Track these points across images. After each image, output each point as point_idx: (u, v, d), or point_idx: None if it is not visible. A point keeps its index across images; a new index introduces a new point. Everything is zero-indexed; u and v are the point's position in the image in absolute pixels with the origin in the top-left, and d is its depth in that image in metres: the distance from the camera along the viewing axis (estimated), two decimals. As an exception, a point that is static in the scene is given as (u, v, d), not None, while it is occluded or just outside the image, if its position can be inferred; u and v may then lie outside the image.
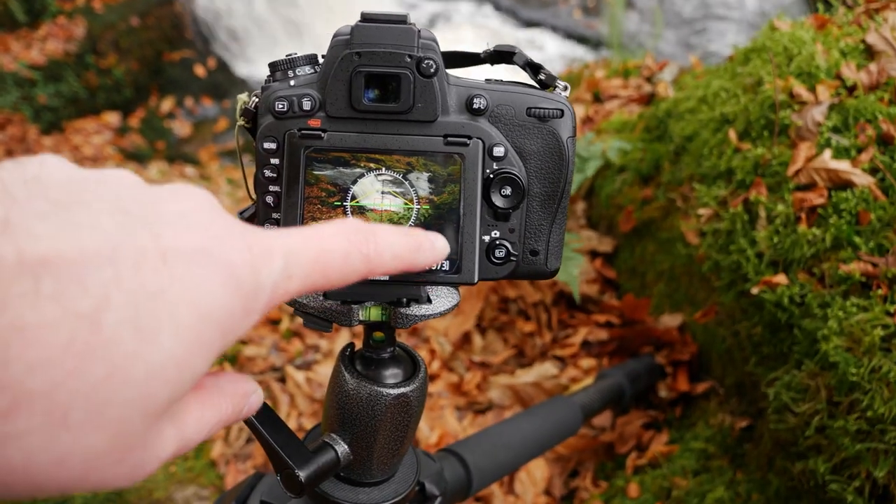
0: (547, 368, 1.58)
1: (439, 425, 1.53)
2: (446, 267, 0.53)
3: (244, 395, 0.37)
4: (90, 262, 0.25)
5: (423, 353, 1.75)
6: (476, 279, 0.53)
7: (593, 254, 1.78)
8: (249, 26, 6.40)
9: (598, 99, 2.15)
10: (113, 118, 5.79)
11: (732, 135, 1.37)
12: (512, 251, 0.55)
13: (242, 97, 0.56)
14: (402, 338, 1.81)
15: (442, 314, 0.58)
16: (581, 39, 6.31)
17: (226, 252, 0.29)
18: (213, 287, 0.28)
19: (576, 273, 1.36)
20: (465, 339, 1.76)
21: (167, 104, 6.06)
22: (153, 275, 0.26)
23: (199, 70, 6.27)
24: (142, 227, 0.27)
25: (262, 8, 6.42)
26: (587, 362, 1.56)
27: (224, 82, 6.25)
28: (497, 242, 0.55)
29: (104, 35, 5.88)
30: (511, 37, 6.38)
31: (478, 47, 0.61)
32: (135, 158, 5.43)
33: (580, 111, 2.08)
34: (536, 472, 1.42)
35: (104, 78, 5.81)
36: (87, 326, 0.24)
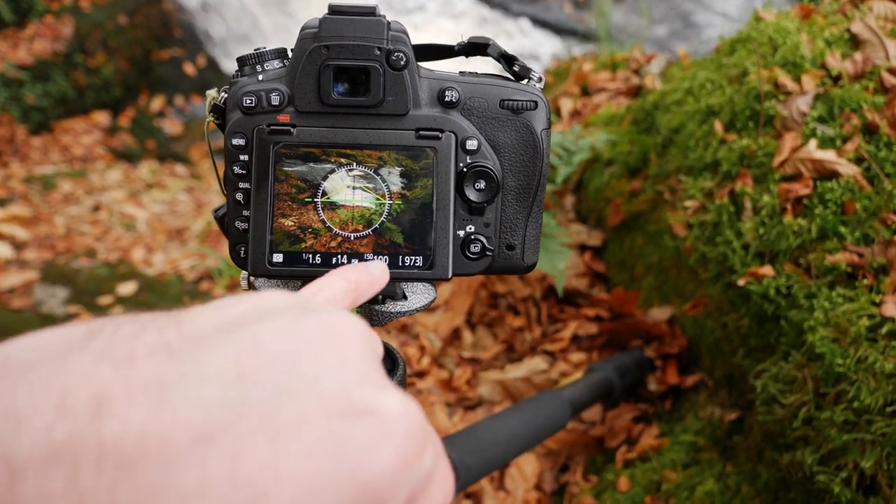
0: (537, 363, 1.57)
1: (429, 422, 1.53)
2: (420, 262, 0.52)
3: None
4: (175, 460, 0.21)
5: (412, 350, 1.74)
6: (450, 274, 0.53)
7: (582, 247, 1.77)
8: (239, 23, 6.37)
9: (586, 92, 2.14)
10: (102, 118, 5.75)
11: (718, 126, 1.36)
12: (487, 246, 0.55)
13: (211, 93, 0.55)
14: (392, 334, 1.80)
15: (418, 310, 0.57)
16: (571, 33, 6.30)
17: (361, 444, 0.24)
18: (335, 486, 0.23)
19: (562, 267, 1.35)
20: (455, 335, 1.75)
21: (157, 103, 6.03)
22: (254, 473, 0.21)
23: (189, 68, 6.23)
24: (258, 397, 0.23)
25: (251, 4, 6.39)
26: (577, 356, 1.56)
27: (214, 80, 6.22)
28: (472, 237, 0.54)
29: (92, 34, 5.84)
30: (501, 29, 6.37)
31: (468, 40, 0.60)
32: (125, 158, 5.41)
33: (568, 105, 2.07)
34: (527, 468, 1.41)
35: (93, 77, 5.77)
36: None
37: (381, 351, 0.29)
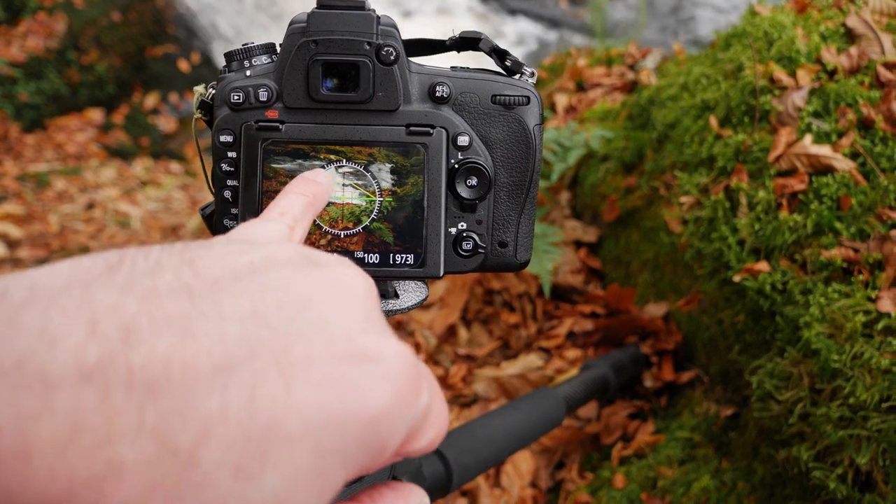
0: (532, 360, 1.57)
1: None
2: (411, 260, 0.52)
3: None
4: (198, 387, 0.22)
5: (407, 347, 1.74)
6: (441, 272, 0.52)
7: (578, 244, 1.76)
8: (233, 19, 6.35)
9: (581, 87, 2.13)
10: (96, 115, 5.72)
11: (713, 121, 1.36)
12: (479, 243, 0.54)
13: (199, 89, 0.54)
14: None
15: (409, 309, 0.56)
16: (567, 28, 6.29)
17: (364, 385, 0.26)
18: (341, 421, 0.25)
19: (549, 267, 1.34)
20: (450, 332, 1.74)
21: (151, 100, 6.00)
22: (268, 404, 0.23)
23: (183, 65, 6.21)
24: (271, 337, 0.24)
25: (246, 1, 6.37)
26: (572, 353, 1.56)
27: (208, 77, 6.18)
28: (464, 235, 0.54)
29: (85, 31, 5.80)
30: (497, 26, 6.35)
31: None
32: (119, 155, 5.38)
33: (563, 100, 2.06)
34: (522, 465, 1.41)
35: (86, 74, 5.74)
36: (180, 465, 0.22)
37: (379, 301, 0.32)
